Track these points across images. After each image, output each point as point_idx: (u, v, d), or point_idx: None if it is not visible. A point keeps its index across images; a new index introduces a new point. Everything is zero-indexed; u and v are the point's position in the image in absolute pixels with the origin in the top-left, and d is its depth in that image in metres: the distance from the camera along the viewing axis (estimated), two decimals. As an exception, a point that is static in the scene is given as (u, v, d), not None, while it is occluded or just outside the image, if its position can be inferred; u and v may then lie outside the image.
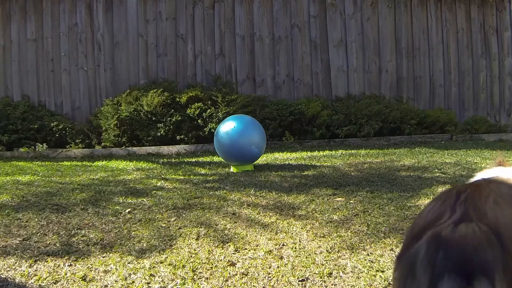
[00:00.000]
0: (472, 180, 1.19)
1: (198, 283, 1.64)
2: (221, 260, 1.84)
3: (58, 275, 1.71)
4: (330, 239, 2.07)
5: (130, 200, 2.80)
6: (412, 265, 0.76)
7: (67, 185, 3.26)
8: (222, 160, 4.16)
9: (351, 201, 2.72)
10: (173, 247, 1.98)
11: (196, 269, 1.76)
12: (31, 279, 1.69)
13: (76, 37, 6.09)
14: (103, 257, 1.88)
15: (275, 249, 1.96)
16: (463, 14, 7.02)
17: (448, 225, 0.76)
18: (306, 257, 1.86)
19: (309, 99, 6.12)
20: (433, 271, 0.71)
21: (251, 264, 1.80)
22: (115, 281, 1.66)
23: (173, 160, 4.67)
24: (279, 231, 2.18)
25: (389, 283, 1.62)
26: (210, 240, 2.07)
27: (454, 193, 0.85)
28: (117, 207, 2.63)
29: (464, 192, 0.84)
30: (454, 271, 0.70)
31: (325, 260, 1.83)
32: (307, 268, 1.76)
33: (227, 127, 3.72)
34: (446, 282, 0.69)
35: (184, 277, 1.68)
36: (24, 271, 1.75)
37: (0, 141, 5.32)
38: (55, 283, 1.65)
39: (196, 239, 2.09)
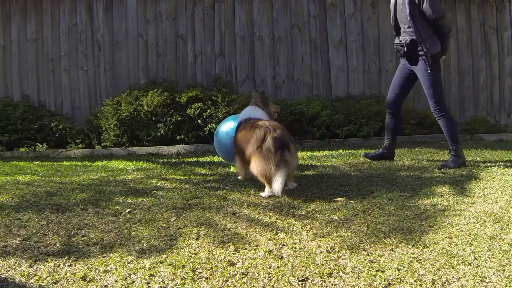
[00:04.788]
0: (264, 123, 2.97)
1: (198, 283, 1.64)
2: (221, 260, 1.84)
3: (58, 275, 1.71)
4: (330, 239, 2.07)
5: (130, 200, 2.80)
6: (268, 147, 2.76)
7: (67, 185, 3.27)
8: (222, 160, 4.16)
9: (351, 201, 2.72)
10: (173, 247, 1.98)
11: (196, 269, 1.76)
12: (31, 279, 1.69)
13: (76, 37, 6.09)
14: (103, 257, 1.88)
15: (275, 249, 1.96)
16: (463, 14, 7.01)
17: (273, 132, 2.82)
18: (306, 257, 1.86)
19: (309, 99, 6.12)
20: (276, 148, 2.75)
21: (251, 264, 1.80)
22: (115, 281, 1.66)
23: (173, 160, 4.67)
24: (279, 231, 2.18)
25: (389, 283, 1.62)
26: (210, 240, 2.07)
27: (261, 123, 2.97)
28: (117, 207, 2.63)
29: (265, 122, 2.98)
30: (280, 148, 2.76)
31: (325, 260, 1.83)
32: (307, 268, 1.76)
33: (227, 127, 3.71)
34: (280, 151, 2.75)
35: (184, 277, 1.68)
36: (24, 271, 1.75)
37: (0, 141, 5.32)
38: (55, 283, 1.65)
39: (196, 239, 2.09)
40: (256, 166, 2.81)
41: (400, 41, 3.83)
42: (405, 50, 3.80)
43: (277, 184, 2.71)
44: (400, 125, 4.24)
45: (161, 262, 1.82)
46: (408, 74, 3.97)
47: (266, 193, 2.87)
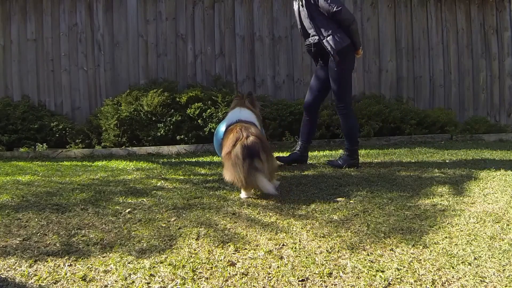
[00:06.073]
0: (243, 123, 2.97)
1: (198, 283, 1.64)
2: (221, 260, 1.84)
3: (58, 275, 1.71)
4: (330, 239, 2.07)
5: (130, 200, 2.80)
6: (236, 154, 2.67)
7: (67, 185, 3.27)
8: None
9: (351, 201, 2.72)
10: (173, 247, 1.98)
11: (196, 269, 1.76)
12: (31, 279, 1.69)
13: (76, 37, 6.09)
14: (103, 257, 1.88)
15: (275, 249, 1.96)
16: (463, 14, 7.02)
17: (244, 139, 2.71)
18: (306, 257, 1.86)
19: (309, 99, 6.11)
20: (244, 155, 2.64)
21: (251, 264, 1.80)
22: (115, 281, 1.66)
23: (173, 160, 4.67)
24: (279, 231, 2.18)
25: (389, 283, 1.62)
26: (210, 240, 2.07)
27: (238, 127, 2.86)
28: (117, 207, 2.63)
29: (241, 128, 2.85)
30: (249, 156, 2.64)
31: (325, 260, 1.83)
32: (307, 268, 1.76)
33: (227, 127, 3.71)
34: (249, 159, 2.63)
35: (184, 277, 1.68)
36: (24, 271, 1.75)
37: (0, 141, 5.32)
38: (55, 283, 1.65)
39: (196, 239, 2.09)
40: (226, 171, 2.78)
41: (310, 41, 3.85)
42: (314, 50, 3.84)
43: (263, 185, 2.65)
44: (315, 128, 4.14)
45: (161, 262, 1.82)
46: (325, 75, 3.88)
47: (242, 194, 2.86)
